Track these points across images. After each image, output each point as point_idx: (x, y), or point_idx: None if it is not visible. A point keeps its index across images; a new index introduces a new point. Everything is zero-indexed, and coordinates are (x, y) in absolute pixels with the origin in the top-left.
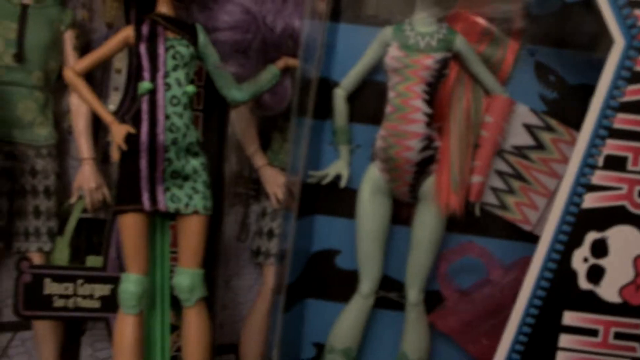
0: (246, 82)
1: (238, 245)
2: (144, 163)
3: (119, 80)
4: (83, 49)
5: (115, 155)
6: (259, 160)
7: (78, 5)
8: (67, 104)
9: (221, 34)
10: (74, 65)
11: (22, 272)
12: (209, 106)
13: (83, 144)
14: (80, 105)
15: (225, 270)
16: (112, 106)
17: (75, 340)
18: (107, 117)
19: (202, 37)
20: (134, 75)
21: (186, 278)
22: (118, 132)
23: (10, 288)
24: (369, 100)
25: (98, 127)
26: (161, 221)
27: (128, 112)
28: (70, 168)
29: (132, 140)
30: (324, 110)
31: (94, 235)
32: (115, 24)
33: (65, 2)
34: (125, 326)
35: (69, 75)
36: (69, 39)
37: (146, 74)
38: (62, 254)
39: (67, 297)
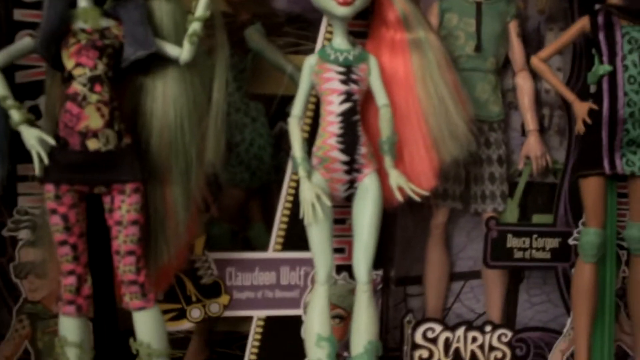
0: None
1: None
2: (604, 134)
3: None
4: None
5: (580, 127)
6: None
7: None
8: (511, 84)
9: None
10: (539, 54)
11: (490, 229)
12: None
13: (529, 118)
14: (524, 84)
15: None
16: None
17: (515, 287)
18: (570, 95)
19: None
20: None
21: (637, 230)
22: (581, 108)
23: (462, 243)
24: None
25: None
26: (610, 183)
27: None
28: (512, 139)
29: (594, 114)
30: None
31: (538, 196)
32: (545, 12)
33: None
34: (585, 273)
35: (535, 61)
36: (513, 28)
37: (605, 58)
38: (512, 214)
39: (524, 249)
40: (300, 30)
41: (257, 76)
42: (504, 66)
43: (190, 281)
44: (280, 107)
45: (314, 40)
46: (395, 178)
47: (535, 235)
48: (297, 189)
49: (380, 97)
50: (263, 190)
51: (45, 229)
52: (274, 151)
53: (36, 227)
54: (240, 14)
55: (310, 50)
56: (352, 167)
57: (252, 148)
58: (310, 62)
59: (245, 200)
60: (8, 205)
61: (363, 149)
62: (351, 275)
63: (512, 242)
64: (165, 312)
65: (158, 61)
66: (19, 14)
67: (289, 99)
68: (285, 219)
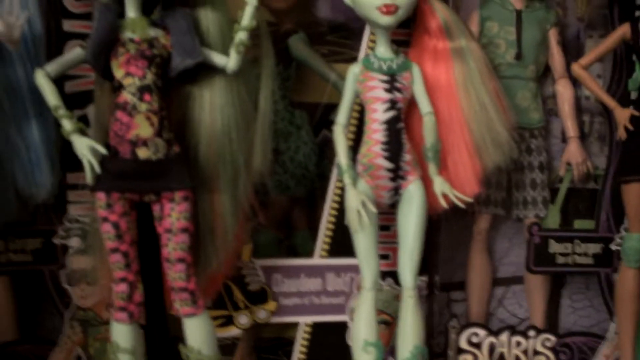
0: None
1: None
2: None
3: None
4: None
5: (621, 134)
6: None
7: (553, 4)
8: (551, 91)
9: None
10: (580, 61)
11: (532, 235)
12: None
13: (569, 125)
14: (564, 91)
15: None
16: None
17: (557, 292)
18: (611, 102)
19: None
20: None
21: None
22: (622, 115)
23: (504, 248)
24: None
25: None
26: None
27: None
28: (553, 145)
29: (635, 121)
30: None
31: (580, 202)
32: (585, 19)
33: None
34: (628, 278)
35: (575, 68)
36: (553, 35)
37: None
38: (554, 219)
39: (566, 255)
40: (343, 38)
41: (300, 84)
42: (544, 73)
43: (238, 288)
44: (323, 115)
45: (356, 49)
46: (440, 185)
47: (577, 241)
48: (341, 196)
49: (424, 105)
50: (307, 197)
51: (95, 236)
52: (318, 159)
53: (86, 235)
54: (284, 23)
55: (353, 59)
56: (396, 174)
57: (297, 156)
58: (354, 70)
59: (290, 207)
60: (59, 214)
61: (407, 157)
62: (396, 281)
63: (554, 247)
64: (213, 318)
65: (205, 70)
66: (68, 25)
67: (332, 107)
68: (331, 226)
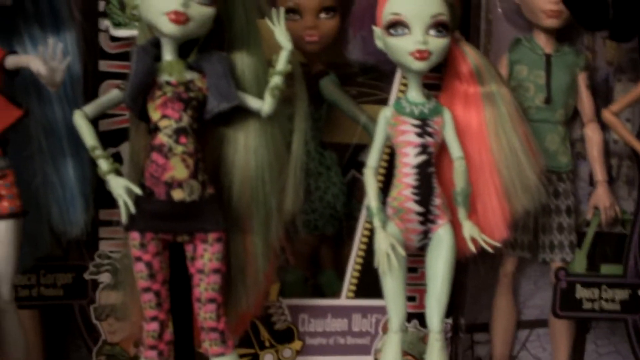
0: None
1: None
2: None
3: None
4: None
5: None
6: None
7: (583, 48)
8: (579, 134)
9: None
10: (610, 107)
11: (559, 279)
12: None
13: (597, 169)
14: (593, 135)
15: None
16: None
17: (581, 336)
18: None
19: None
20: None
21: None
22: None
23: (529, 291)
24: None
25: None
26: None
27: None
28: (580, 189)
29: None
30: None
31: (607, 247)
32: (614, 63)
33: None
34: None
35: (606, 115)
36: (582, 79)
37: None
38: (580, 264)
39: (593, 300)
40: (373, 80)
41: (330, 125)
42: (572, 116)
43: (264, 327)
44: (352, 155)
45: (386, 91)
46: (469, 229)
47: (604, 286)
48: (370, 237)
49: (455, 150)
50: (334, 237)
51: (125, 273)
52: (346, 199)
53: (116, 271)
54: (315, 64)
55: (382, 100)
56: (426, 218)
57: (326, 196)
58: (385, 114)
59: (317, 246)
60: (90, 249)
61: (437, 201)
62: (421, 323)
63: (581, 292)
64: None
65: (239, 112)
66: (104, 65)
67: (361, 148)
68: (358, 267)
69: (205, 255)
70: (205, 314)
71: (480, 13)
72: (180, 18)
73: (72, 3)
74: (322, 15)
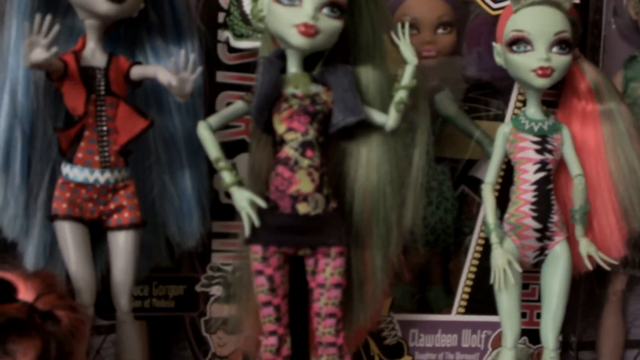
0: None
1: None
2: None
3: None
4: None
5: None
6: None
7: None
8: None
9: None
10: None
11: None
12: None
13: None
14: None
15: None
16: None
17: None
18: None
19: None
20: None
21: None
22: None
23: (638, 310)
24: None
25: None
26: None
27: None
28: None
29: None
30: None
31: None
32: None
33: None
34: None
35: None
36: None
37: None
38: None
39: None
40: (486, 96)
41: (444, 140)
42: None
43: (374, 341)
44: (463, 170)
45: (499, 107)
46: (586, 247)
47: None
48: (482, 253)
49: (574, 167)
50: (443, 252)
51: (238, 286)
52: (457, 214)
53: (228, 284)
54: (430, 80)
55: (494, 117)
56: (544, 235)
57: (438, 211)
58: (504, 130)
59: (426, 262)
60: (202, 262)
61: (555, 217)
62: (531, 340)
63: None
64: None
65: (362, 127)
66: (221, 76)
67: (472, 163)
68: (469, 282)
69: (327, 270)
70: (324, 329)
71: (598, 30)
72: (309, 31)
73: (194, 15)
74: (440, 30)
